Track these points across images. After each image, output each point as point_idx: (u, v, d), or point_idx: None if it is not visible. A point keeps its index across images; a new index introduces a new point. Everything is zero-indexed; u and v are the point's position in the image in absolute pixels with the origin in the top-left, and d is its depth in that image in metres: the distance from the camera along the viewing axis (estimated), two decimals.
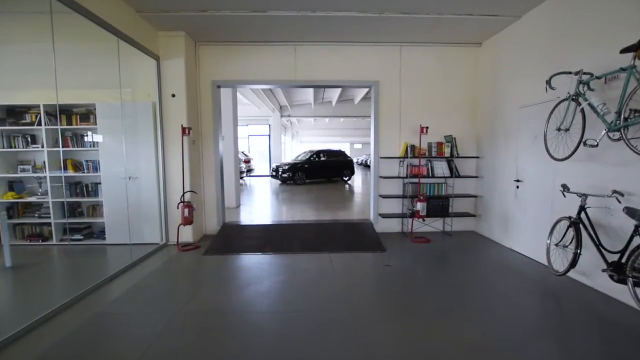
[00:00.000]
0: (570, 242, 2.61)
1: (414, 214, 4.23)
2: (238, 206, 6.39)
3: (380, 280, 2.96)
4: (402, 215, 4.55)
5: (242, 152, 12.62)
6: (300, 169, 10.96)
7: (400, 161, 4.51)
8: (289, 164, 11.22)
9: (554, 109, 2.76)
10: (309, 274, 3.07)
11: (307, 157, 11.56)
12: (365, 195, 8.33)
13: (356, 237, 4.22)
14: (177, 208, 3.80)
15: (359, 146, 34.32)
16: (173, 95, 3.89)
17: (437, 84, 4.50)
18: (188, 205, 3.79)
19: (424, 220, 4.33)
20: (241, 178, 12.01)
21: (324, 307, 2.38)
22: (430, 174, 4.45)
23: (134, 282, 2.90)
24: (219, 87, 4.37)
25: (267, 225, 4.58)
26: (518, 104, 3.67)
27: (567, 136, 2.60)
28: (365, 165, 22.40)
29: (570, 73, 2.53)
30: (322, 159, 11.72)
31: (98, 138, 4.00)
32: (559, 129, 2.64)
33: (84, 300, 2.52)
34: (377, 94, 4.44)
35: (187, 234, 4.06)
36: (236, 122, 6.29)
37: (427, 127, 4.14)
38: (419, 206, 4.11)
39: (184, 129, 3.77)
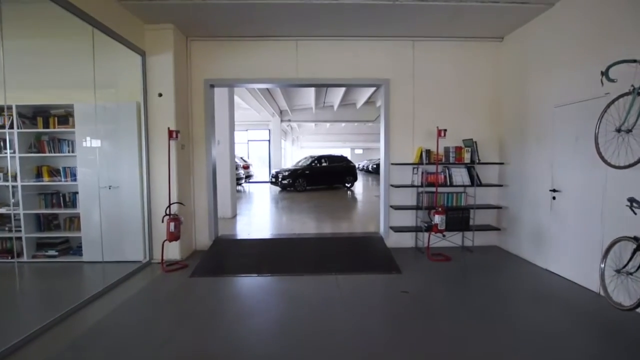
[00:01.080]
0: (638, 269, 2.12)
1: (430, 228, 3.74)
2: (234, 216, 5.90)
3: (399, 314, 2.45)
4: (416, 229, 4.05)
5: (241, 158, 12.20)
6: (301, 175, 10.50)
7: (414, 168, 4.04)
8: (289, 170, 10.78)
9: (608, 106, 2.30)
10: (313, 304, 2.57)
11: (308, 162, 11.12)
12: (369, 203, 7.84)
13: (365, 254, 3.72)
14: (162, 222, 3.33)
15: (359, 151, 34.01)
16: (160, 95, 3.46)
17: (453, 83, 4.06)
18: (174, 218, 3.31)
19: (444, 236, 3.83)
20: (240, 184, 11.56)
21: None
22: (448, 183, 3.97)
23: (103, 315, 2.40)
24: (212, 86, 3.94)
25: (265, 239, 4.10)
26: (552, 102, 3.21)
27: (630, 138, 2.13)
28: (367, 171, 22.00)
29: (635, 61, 2.08)
30: (324, 164, 11.27)
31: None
32: (618, 130, 2.18)
33: (35, 342, 2.03)
34: (388, 93, 4.00)
35: (173, 251, 3.58)
36: (233, 126, 5.86)
37: (445, 130, 3.68)
38: (437, 219, 3.62)
39: (171, 132, 3.32)
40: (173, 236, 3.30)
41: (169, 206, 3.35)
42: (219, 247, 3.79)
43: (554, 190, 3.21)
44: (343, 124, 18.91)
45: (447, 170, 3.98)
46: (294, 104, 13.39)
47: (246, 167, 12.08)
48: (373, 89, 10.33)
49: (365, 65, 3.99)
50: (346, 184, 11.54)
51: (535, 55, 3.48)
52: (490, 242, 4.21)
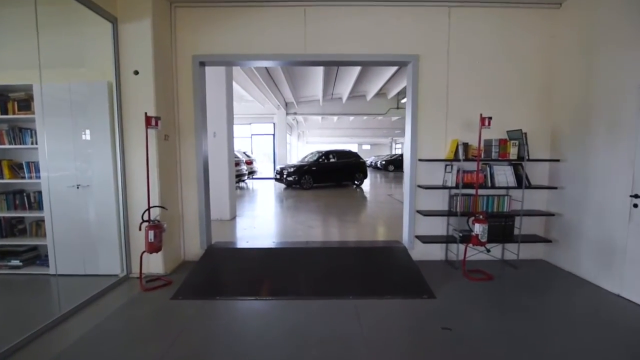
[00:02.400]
0: None
1: (468, 239, 3.05)
2: (233, 218, 5.29)
3: None
4: (447, 239, 3.35)
5: (244, 153, 11.59)
6: (308, 171, 9.83)
7: (447, 165, 3.33)
8: (295, 165, 10.12)
9: None
10: (327, 345, 1.92)
11: (315, 158, 10.43)
12: (382, 203, 7.15)
13: (388, 269, 3.06)
14: (140, 230, 2.71)
15: (367, 147, 33.22)
16: (136, 73, 2.81)
17: (497, 60, 3.31)
18: (154, 226, 2.69)
19: (488, 251, 3.14)
20: (242, 181, 10.98)
21: None
22: (489, 183, 3.26)
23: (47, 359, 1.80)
24: (202, 64, 3.28)
25: (267, 249, 3.46)
26: (636, 80, 2.46)
27: None
28: (375, 168, 21.27)
29: None
30: (332, 160, 10.57)
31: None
32: None
33: None
34: (416, 73, 3.28)
35: (156, 263, 2.97)
36: (231, 115, 5.19)
37: (490, 118, 2.96)
38: (478, 229, 2.92)
39: (148, 119, 2.67)
40: (153, 247, 2.68)
41: (148, 210, 2.72)
42: (211, 259, 3.17)
43: (636, 196, 2.47)
44: (351, 118, 18.14)
45: (488, 169, 3.26)
46: (300, 95, 12.67)
47: (249, 163, 11.47)
48: (387, 76, 9.55)
49: (389, 38, 3.26)
50: (355, 182, 10.84)
51: (609, 21, 2.71)
52: (535, 255, 3.50)
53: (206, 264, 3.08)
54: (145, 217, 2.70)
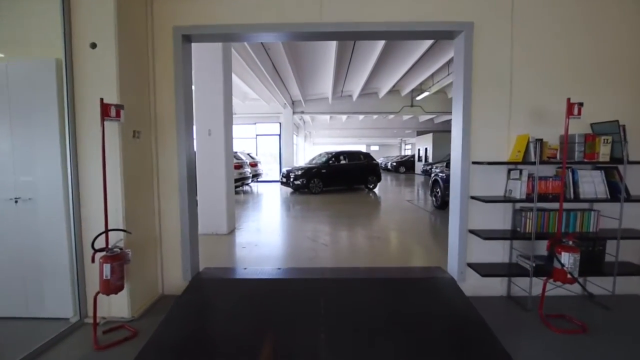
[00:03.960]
0: None
1: (545, 271, 2.21)
2: (232, 231, 4.52)
3: None
4: (510, 270, 2.50)
5: (248, 154, 10.88)
6: (317, 174, 9.05)
7: (511, 170, 2.49)
8: (302, 168, 9.35)
9: None
10: None
11: (324, 160, 9.63)
12: (402, 210, 6.28)
13: (437, 315, 2.21)
14: (92, 262, 1.95)
15: (375, 148, 32.39)
16: (93, 46, 2.06)
17: (578, 31, 2.46)
18: (113, 256, 1.92)
19: (592, 297, 2.28)
20: (247, 185, 10.27)
21: None
22: (572, 194, 2.40)
23: None
24: (188, 39, 2.52)
25: (270, 280, 2.66)
26: None
27: None
28: (385, 169, 20.42)
29: None
30: (343, 162, 9.76)
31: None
32: None
33: None
34: (469, 46, 2.44)
35: (119, 304, 2.20)
36: (230, 109, 4.41)
37: (580, 104, 2.11)
38: (567, 259, 2.08)
39: (106, 107, 1.92)
40: (109, 286, 1.91)
41: (106, 234, 1.96)
42: (196, 297, 2.38)
43: None
44: (361, 117, 17.33)
45: (570, 174, 2.40)
46: (308, 92, 11.92)
47: (254, 165, 10.75)
48: (403, 70, 8.69)
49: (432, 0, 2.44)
50: (368, 185, 10.00)
51: None
52: (628, 289, 2.62)
53: (188, 304, 2.29)
54: (100, 245, 1.94)
